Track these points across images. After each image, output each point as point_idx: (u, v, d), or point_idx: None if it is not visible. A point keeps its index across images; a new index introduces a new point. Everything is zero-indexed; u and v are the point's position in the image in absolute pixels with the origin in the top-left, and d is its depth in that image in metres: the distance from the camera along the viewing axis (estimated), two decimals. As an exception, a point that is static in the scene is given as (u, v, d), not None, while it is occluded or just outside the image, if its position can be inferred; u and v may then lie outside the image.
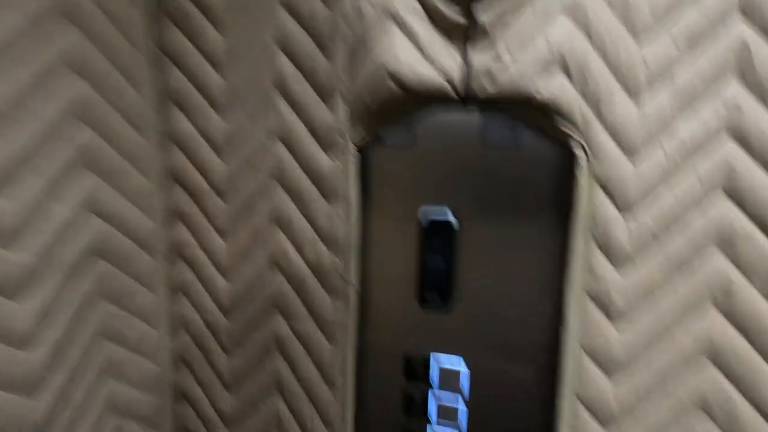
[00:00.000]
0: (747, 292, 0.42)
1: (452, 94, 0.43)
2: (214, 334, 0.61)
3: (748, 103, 0.40)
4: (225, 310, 0.60)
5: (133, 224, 0.58)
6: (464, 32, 0.42)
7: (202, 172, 0.59)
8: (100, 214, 0.54)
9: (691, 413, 0.44)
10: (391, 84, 0.44)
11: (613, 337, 0.44)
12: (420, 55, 0.44)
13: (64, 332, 0.50)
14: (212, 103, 0.57)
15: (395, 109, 0.47)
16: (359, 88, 0.47)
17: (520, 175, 0.46)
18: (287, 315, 0.56)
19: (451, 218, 0.48)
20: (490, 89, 0.42)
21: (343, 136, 0.49)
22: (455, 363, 0.50)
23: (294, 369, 0.56)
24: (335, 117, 0.49)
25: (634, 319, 0.44)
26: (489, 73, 0.42)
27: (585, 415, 0.45)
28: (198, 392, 0.64)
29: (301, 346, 0.55)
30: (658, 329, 0.44)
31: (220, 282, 0.60)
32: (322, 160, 0.51)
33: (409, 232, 0.50)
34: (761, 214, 0.41)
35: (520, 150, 0.46)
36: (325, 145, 0.51)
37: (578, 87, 0.41)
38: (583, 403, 0.45)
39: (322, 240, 0.52)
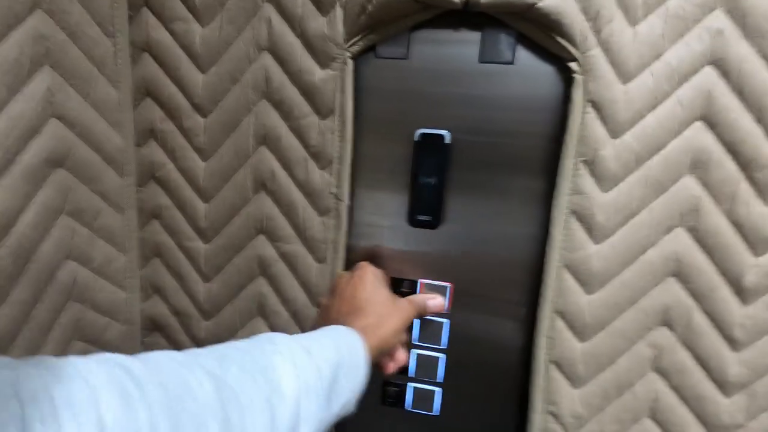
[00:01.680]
0: (714, 214, 0.46)
1: (454, 1, 0.42)
2: (190, 260, 0.59)
3: (731, 32, 0.43)
4: (203, 235, 0.58)
5: (99, 137, 0.53)
6: (472, -62, 0.41)
7: (179, 85, 0.55)
8: (62, 119, 0.49)
9: (654, 325, 0.48)
10: (394, -13, 0.42)
11: (593, 252, 0.47)
12: (426, -41, 0.42)
13: (23, 243, 0.46)
14: (190, 8, 0.53)
15: (394, 17, 0.45)
16: (359, -5, 0.45)
17: (515, 92, 0.47)
18: (273, 237, 0.54)
19: (445, 136, 0.48)
20: (493, -2, 0.41)
21: (339, 46, 0.47)
22: (441, 285, 0.52)
23: (279, 290, 0.55)
24: (331, 25, 0.47)
25: (612, 236, 0.47)
26: (494, -19, 0.41)
27: (561, 325, 0.48)
28: (171, 320, 0.61)
29: (286, 267, 0.54)
30: (633, 246, 0.47)
31: (199, 205, 0.57)
32: (315, 71, 0.49)
33: (402, 148, 0.50)
34: (733, 141, 0.44)
35: (516, 67, 0.46)
36: (319, 55, 0.48)
37: (580, 5, 0.42)
38: (560, 315, 0.48)
39: (313, 158, 0.51)
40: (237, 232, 0.56)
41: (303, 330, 0.54)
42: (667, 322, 0.48)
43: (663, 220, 0.46)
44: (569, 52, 0.43)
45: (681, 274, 0.47)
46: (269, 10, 0.50)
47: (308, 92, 0.50)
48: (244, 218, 0.55)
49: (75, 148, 0.51)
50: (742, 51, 0.42)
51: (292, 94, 0.50)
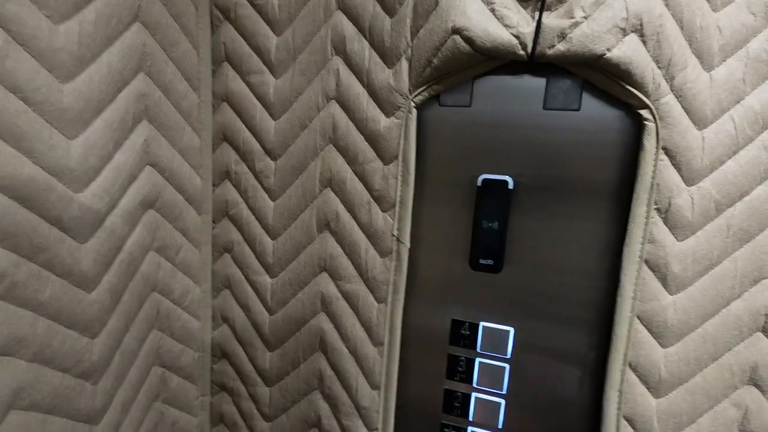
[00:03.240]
0: (807, 266, 0.42)
1: (520, 51, 0.43)
2: (257, 293, 0.62)
3: (823, 74, 0.40)
4: (269, 271, 0.61)
5: (183, 180, 0.59)
6: (537, -8, 0.42)
7: (253, 131, 0.60)
8: (155, 166, 0.55)
9: (741, 382, 0.45)
10: (459, 41, 0.44)
11: (668, 303, 0.44)
12: (490, 11, 0.43)
13: (120, 278, 0.51)
14: (265, 62, 0.57)
15: (459, 69, 0.47)
16: (424, 48, 0.47)
17: (581, 138, 0.46)
18: (336, 276, 0.56)
19: (508, 181, 0.48)
20: (560, 47, 0.42)
21: (403, 96, 0.49)
22: (503, 326, 0.51)
23: (339, 328, 0.57)
24: (397, 77, 0.49)
25: (690, 288, 0.44)
26: (560, 31, 0.42)
27: (634, 379, 0.46)
28: (238, 350, 0.65)
29: (348, 306, 0.56)
30: (715, 299, 0.44)
31: (267, 242, 0.61)
32: (380, 119, 0.51)
33: (464, 193, 0.50)
34: (828, 187, 0.41)
35: (582, 113, 0.46)
36: (384, 105, 0.51)
37: (651, 50, 0.41)
38: (633, 369, 0.46)
39: (376, 201, 0.52)
40: (302, 269, 0.59)
41: (363, 369, 0.55)
42: (756, 382, 0.45)
43: (749, 272, 0.43)
44: (640, 100, 0.42)
45: (771, 330, 0.44)
46: (338, 63, 0.53)
47: (373, 139, 0.52)
48: (309, 256, 0.58)
49: (164, 191, 0.56)
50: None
51: (357, 140, 0.53)
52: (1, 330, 0.40)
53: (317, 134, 0.56)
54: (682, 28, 0.41)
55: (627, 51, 0.41)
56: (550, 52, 0.42)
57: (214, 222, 0.64)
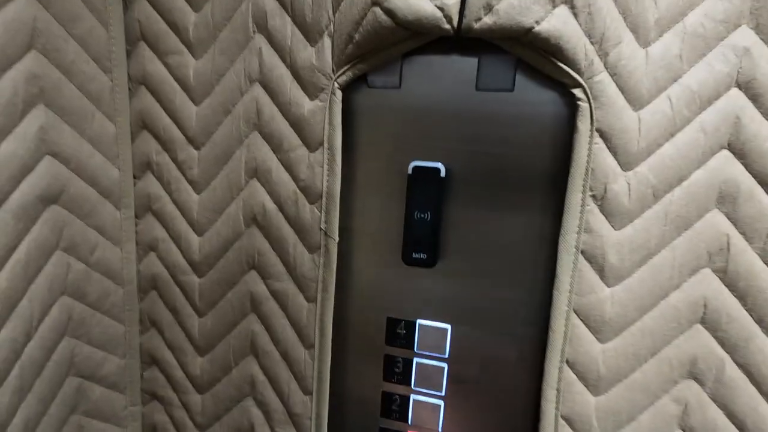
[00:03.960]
0: (745, 253, 0.40)
1: (446, 25, 0.39)
2: (185, 294, 0.58)
3: (760, 50, 0.38)
4: (197, 270, 0.57)
5: (95, 171, 0.53)
6: (462, -40, 0.38)
7: (174, 118, 0.54)
8: (56, 156, 0.49)
9: (680, 377, 0.43)
10: (379, 13, 0.40)
11: (606, 296, 0.42)
12: (413, -15, 0.40)
13: (14, 282, 0.46)
14: (184, 40, 0.52)
15: (383, 45, 0.43)
16: (345, 22, 0.43)
17: (515, 121, 0.43)
18: (264, 274, 0.52)
19: (439, 165, 0.45)
20: (487, 20, 0.38)
21: (327, 76, 0.45)
22: (440, 327, 0.48)
23: (270, 330, 0.53)
24: (319, 56, 0.45)
25: (628, 279, 0.42)
26: (486, 2, 0.38)
27: (572, 377, 0.43)
28: (167, 355, 0.60)
29: (277, 306, 0.52)
30: (653, 290, 0.42)
31: (192, 238, 0.56)
32: (303, 103, 0.47)
33: (395, 182, 0.47)
34: (765, 171, 0.39)
35: (515, 92, 0.42)
36: (308, 87, 0.47)
37: (583, 24, 0.38)
38: (570, 366, 0.43)
39: (303, 192, 0.48)
40: (230, 267, 0.54)
41: (294, 374, 0.52)
42: (695, 375, 0.43)
43: (687, 261, 0.41)
44: (573, 79, 0.39)
45: (709, 321, 0.42)
46: (260, 41, 0.49)
47: (297, 124, 0.48)
48: (237, 252, 0.54)
49: (70, 184, 0.51)
50: (774, 71, 0.37)
51: (282, 126, 0.49)
52: None
53: (241, 120, 0.51)
54: (615, 1, 0.38)
55: (557, 24, 0.37)
56: (476, 25, 0.39)
57: (137, 218, 0.59)
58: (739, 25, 0.38)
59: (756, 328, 0.41)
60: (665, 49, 0.39)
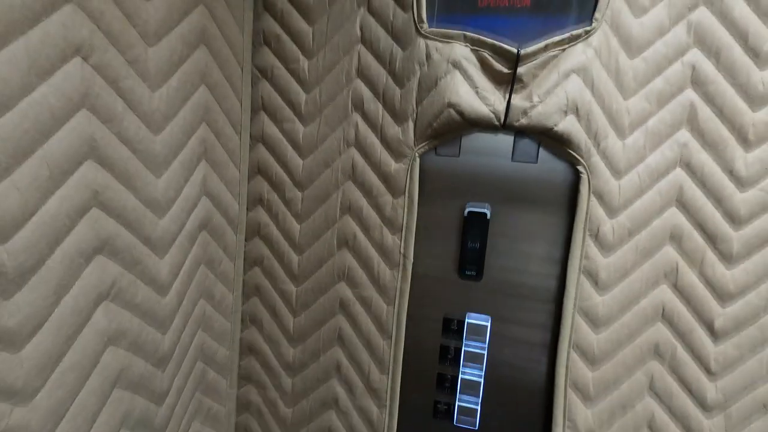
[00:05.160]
0: (689, 274, 0.61)
1: (495, 122, 0.61)
2: (282, 299, 0.76)
3: (694, 144, 0.60)
4: (295, 280, 0.75)
5: (227, 206, 0.72)
6: (508, 80, 0.60)
7: (284, 168, 0.74)
8: (208, 196, 0.68)
9: (648, 357, 0.63)
10: (453, 112, 0.61)
11: (599, 301, 0.63)
12: (475, 93, 0.61)
13: (183, 285, 0.64)
14: (296, 113, 0.72)
15: (451, 130, 0.64)
16: (426, 114, 0.64)
17: (538, 183, 0.64)
18: (352, 283, 0.71)
19: (487, 212, 0.66)
20: (523, 121, 0.60)
21: (409, 147, 0.66)
22: (482, 320, 0.68)
23: (354, 325, 0.72)
24: (404, 133, 0.66)
25: (613, 290, 0.63)
26: (524, 112, 0.60)
27: (576, 357, 0.63)
28: (264, 347, 0.78)
29: (362, 308, 0.71)
30: (629, 297, 0.63)
31: (293, 257, 0.75)
32: (390, 163, 0.67)
33: (453, 221, 0.67)
34: (701, 219, 0.60)
35: (539, 164, 0.64)
36: (394, 152, 0.67)
37: (584, 125, 0.60)
38: (575, 349, 0.63)
39: (387, 225, 0.68)
40: (323, 278, 0.73)
41: (374, 358, 0.70)
42: (658, 355, 0.63)
43: (651, 278, 0.62)
44: (577, 159, 0.61)
45: (666, 318, 0.63)
46: (357, 117, 0.69)
47: (385, 178, 0.68)
48: (330, 268, 0.73)
49: (214, 216, 0.70)
50: (702, 158, 0.60)
51: (372, 178, 0.69)
52: (111, 325, 0.52)
53: (338, 172, 0.71)
54: (603, 111, 0.60)
55: (568, 125, 0.59)
56: (516, 123, 0.60)
57: (246, 240, 0.77)
58: (680, 128, 0.60)
59: (696, 324, 0.62)
60: (635, 141, 0.61)
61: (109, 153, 0.49)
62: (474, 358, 0.68)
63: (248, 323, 0.79)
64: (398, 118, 0.67)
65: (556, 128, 0.59)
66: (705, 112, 0.59)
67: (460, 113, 0.61)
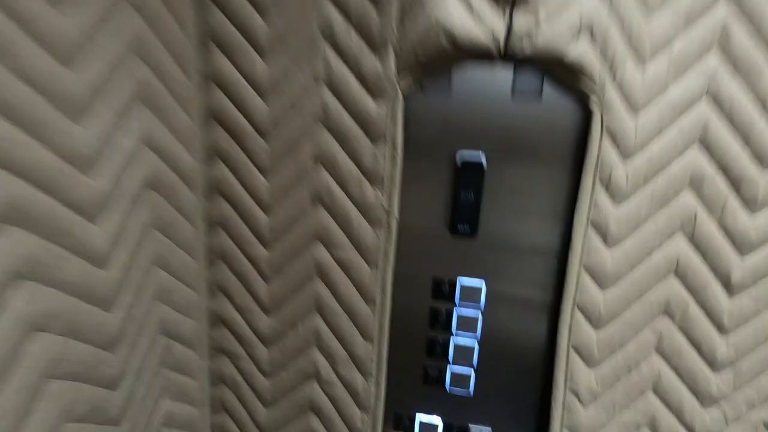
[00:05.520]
0: (707, 223, 0.55)
1: (494, 51, 0.50)
2: (253, 263, 0.67)
3: (724, 73, 0.51)
4: (265, 242, 0.66)
5: (178, 160, 0.61)
6: (509, -4, 0.49)
7: (244, 113, 0.63)
8: (153, 149, 0.57)
9: (657, 315, 0.58)
10: (443, 39, 0.50)
11: (607, 257, 0.56)
12: (470, 15, 0.50)
13: (130, 256, 0.55)
14: (255, 47, 0.60)
15: (441, 62, 0.53)
16: (409, 40, 0.53)
17: (542, 124, 0.55)
18: (329, 245, 0.63)
19: (482, 160, 0.56)
20: (527, 49, 0.49)
21: (390, 82, 0.55)
22: (476, 283, 0.61)
23: (334, 291, 0.64)
24: (385, 66, 0.55)
25: (623, 243, 0.56)
26: (528, 35, 0.49)
27: (580, 317, 0.58)
28: (236, 316, 0.70)
29: (341, 271, 0.63)
30: (641, 251, 0.56)
31: (261, 216, 0.65)
32: (369, 105, 0.57)
33: (444, 171, 0.58)
34: (724, 163, 0.53)
35: (543, 102, 0.54)
36: (373, 91, 0.56)
37: (599, 52, 0.50)
38: (579, 309, 0.57)
39: (367, 177, 0.59)
40: (296, 240, 0.64)
41: (357, 326, 0.63)
42: (668, 312, 0.58)
43: (665, 229, 0.55)
44: (589, 92, 0.51)
45: (680, 272, 0.56)
46: (326, 48, 0.58)
47: (362, 121, 0.58)
48: (303, 227, 0.64)
49: (161, 171, 0.59)
50: (732, 89, 0.51)
51: (347, 122, 0.58)
52: (35, 308, 0.43)
53: (308, 116, 0.60)
54: (622, 30, 0.50)
55: (580, 51, 0.49)
56: (518, 51, 0.50)
57: (206, 199, 0.67)
58: (709, 52, 0.51)
59: (711, 278, 0.56)
60: (656, 69, 0.52)
61: (5, 94, 0.38)
62: (467, 323, 0.62)
63: (216, 291, 0.71)
64: (376, 46, 0.55)
65: (566, 54, 0.49)
66: (739, 33, 0.50)
67: (451, 39, 0.50)
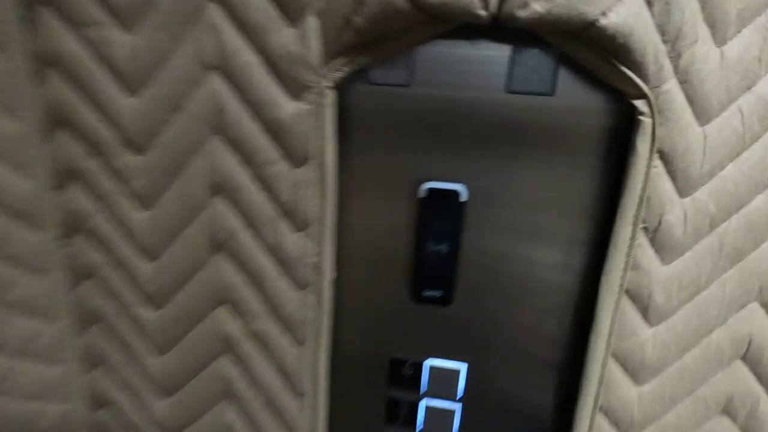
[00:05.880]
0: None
1: (480, 10, 0.29)
2: (138, 329, 0.47)
3: None
4: (150, 300, 0.46)
5: (4, 186, 0.40)
6: None
7: (101, 111, 0.41)
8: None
9: (714, 415, 0.40)
10: (395, -6, 0.29)
11: (648, 338, 0.37)
12: (438, -49, 0.29)
13: None
14: (109, 6, 0.38)
15: (392, 32, 0.32)
16: (342, 2, 0.31)
17: (554, 133, 0.35)
18: (240, 311, 0.43)
19: (460, 190, 0.36)
20: (537, 7, 0.29)
21: (314, 70, 0.34)
22: (452, 365, 0.42)
23: (248, 374, 0.44)
24: (304, 43, 0.34)
25: (673, 318, 0.37)
26: (538, -13, 0.28)
27: (604, 424, 0.39)
28: (121, 397, 0.50)
29: (256, 349, 0.43)
30: (698, 329, 0.37)
31: (141, 264, 0.45)
32: (283, 103, 0.36)
33: (402, 206, 0.38)
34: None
35: (556, 99, 0.34)
36: (287, 81, 0.35)
37: (658, 16, 0.29)
38: (604, 413, 0.39)
39: (286, 216, 0.38)
40: (192, 302, 0.44)
41: (283, 422, 0.44)
42: (729, 412, 0.40)
43: (737, 296, 0.36)
44: (637, 87, 0.31)
45: (751, 357, 0.38)
46: (215, 13, 0.36)
47: (275, 131, 0.37)
48: (201, 285, 0.43)
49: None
50: None
51: (253, 131, 0.38)
52: None
53: (197, 119, 0.39)
54: (697, -10, 0.30)
55: (628, 16, 0.28)
56: (522, 13, 0.29)
57: (64, 239, 0.46)
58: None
59: (794, 363, 0.38)
60: (743, 48, 0.31)
61: None
62: (439, 420, 0.43)
63: (92, 364, 0.50)
64: (289, 11, 0.34)
65: (603, 22, 0.28)
66: None
67: (408, -6, 0.29)
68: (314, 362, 0.41)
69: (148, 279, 0.45)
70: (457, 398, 0.42)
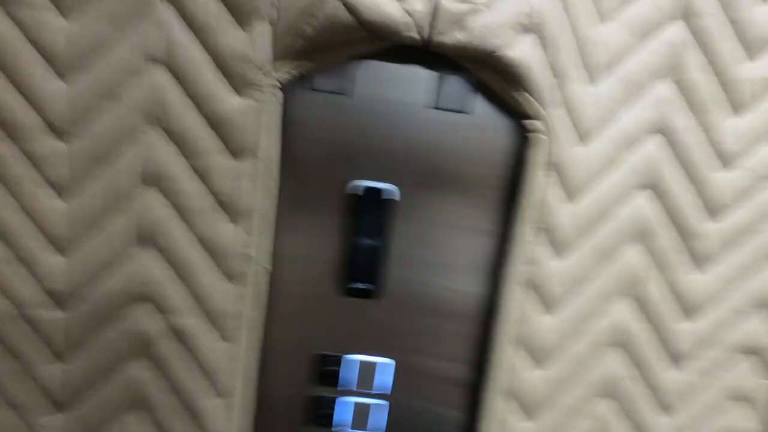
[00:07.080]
0: (653, 284, 0.44)
1: (414, 33, 0.35)
2: (38, 333, 0.43)
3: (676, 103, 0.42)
4: (57, 299, 0.42)
5: None
6: (435, -36, 0.34)
7: (26, 95, 0.39)
8: None
9: (597, 398, 0.46)
10: (343, 11, 0.34)
11: (547, 325, 0.43)
12: (381, -19, 0.34)
13: None
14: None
15: (338, 44, 0.36)
16: (294, 11, 0.35)
17: (470, 147, 0.41)
18: (162, 307, 0.41)
19: (391, 191, 0.40)
20: (458, 36, 0.35)
21: (263, 71, 0.37)
22: (381, 360, 0.44)
23: (166, 377, 0.42)
24: (253, 44, 0.37)
25: (565, 307, 0.43)
26: (460, 17, 0.35)
27: (513, 407, 0.43)
28: (8, 414, 0.44)
29: (177, 347, 0.42)
30: (584, 316, 0.44)
31: (52, 260, 0.42)
32: (227, 98, 0.38)
33: (337, 204, 0.41)
34: (675, 207, 0.43)
35: (473, 117, 0.40)
36: (235, 79, 0.38)
37: (550, 56, 0.37)
38: (508, 395, 0.43)
39: (223, 208, 0.39)
40: (110, 298, 0.42)
41: (199, 426, 0.42)
42: (611, 394, 0.46)
43: (615, 290, 0.44)
44: (534, 109, 0.38)
45: (625, 343, 0.46)
46: (165, 9, 0.38)
47: (218, 124, 0.38)
48: (121, 280, 0.41)
49: None
50: (688, 123, 0.42)
51: (195, 124, 0.39)
52: None
53: (133, 109, 0.39)
54: (576, 35, 0.38)
55: (526, 51, 0.36)
56: (446, 39, 0.35)
57: (-45, 229, 0.41)
58: (663, 78, 0.41)
59: (657, 350, 0.46)
60: (610, 89, 0.41)
61: None
62: (365, 417, 0.44)
63: (-28, 377, 0.44)
64: (242, 13, 0.37)
65: (507, 53, 0.35)
66: (698, 61, 0.41)
67: (353, 11, 0.34)
68: (244, 358, 0.40)
69: (56, 275, 0.42)
70: (386, 394, 0.44)
